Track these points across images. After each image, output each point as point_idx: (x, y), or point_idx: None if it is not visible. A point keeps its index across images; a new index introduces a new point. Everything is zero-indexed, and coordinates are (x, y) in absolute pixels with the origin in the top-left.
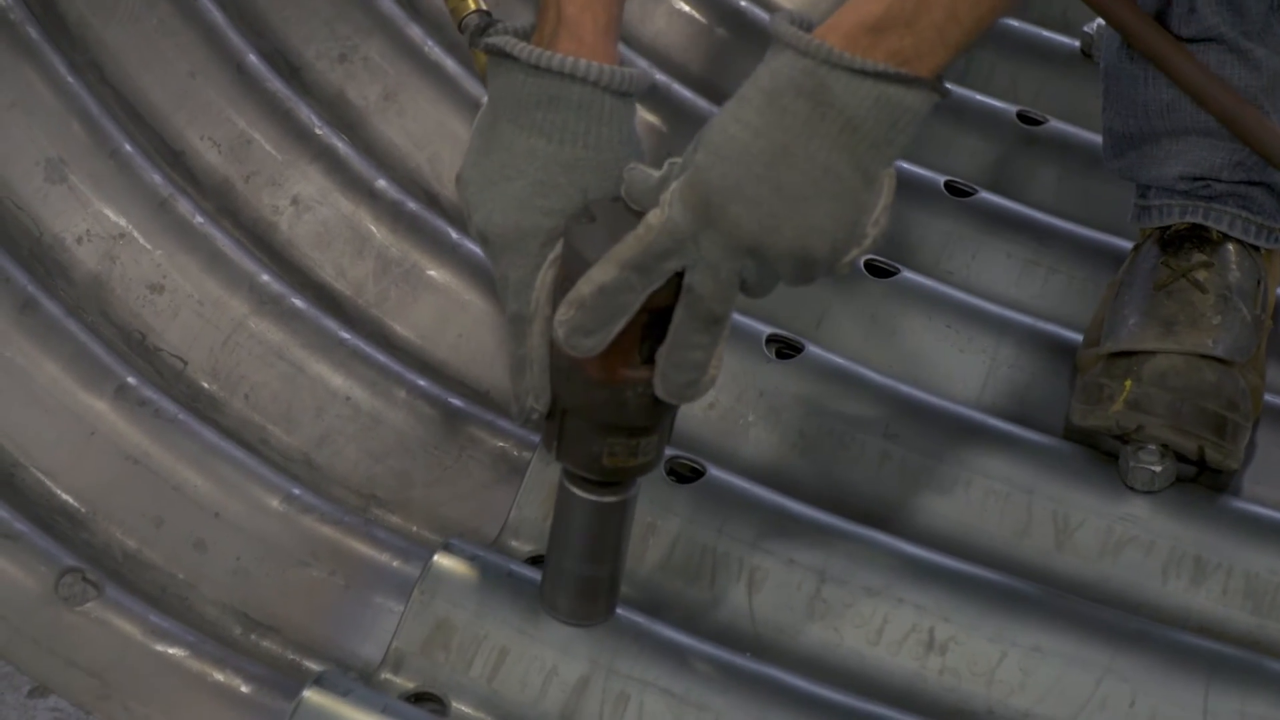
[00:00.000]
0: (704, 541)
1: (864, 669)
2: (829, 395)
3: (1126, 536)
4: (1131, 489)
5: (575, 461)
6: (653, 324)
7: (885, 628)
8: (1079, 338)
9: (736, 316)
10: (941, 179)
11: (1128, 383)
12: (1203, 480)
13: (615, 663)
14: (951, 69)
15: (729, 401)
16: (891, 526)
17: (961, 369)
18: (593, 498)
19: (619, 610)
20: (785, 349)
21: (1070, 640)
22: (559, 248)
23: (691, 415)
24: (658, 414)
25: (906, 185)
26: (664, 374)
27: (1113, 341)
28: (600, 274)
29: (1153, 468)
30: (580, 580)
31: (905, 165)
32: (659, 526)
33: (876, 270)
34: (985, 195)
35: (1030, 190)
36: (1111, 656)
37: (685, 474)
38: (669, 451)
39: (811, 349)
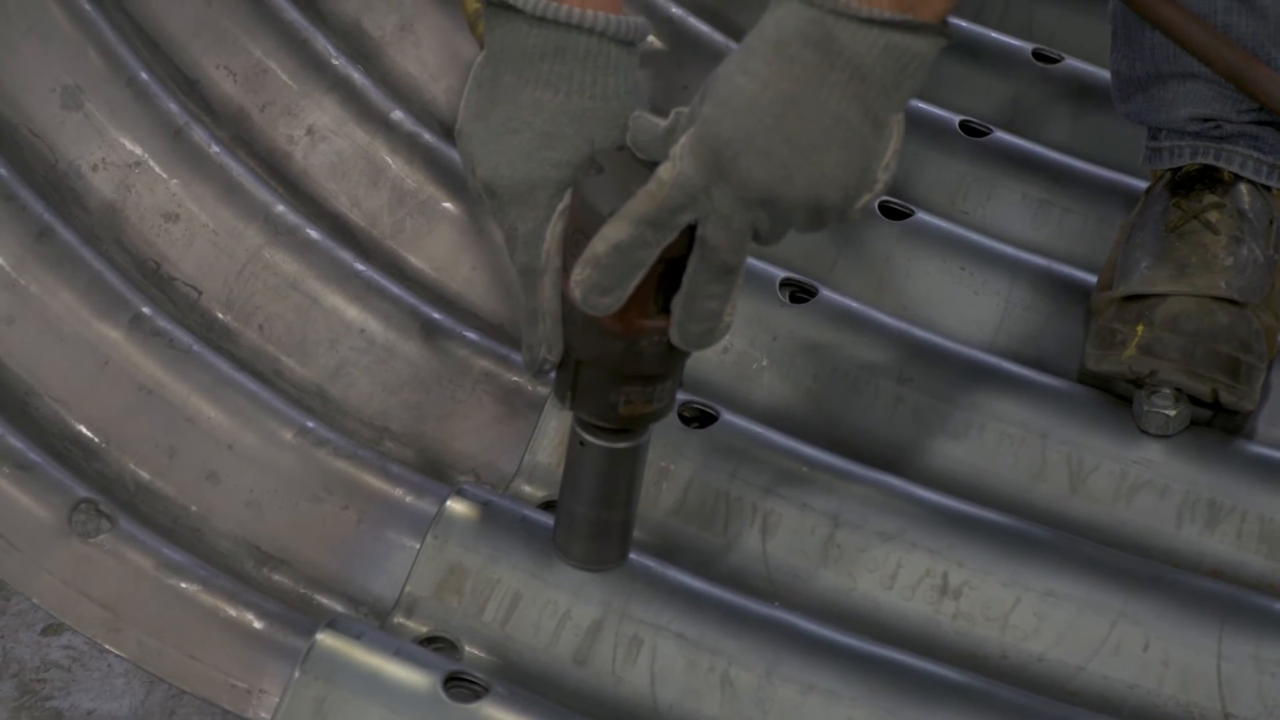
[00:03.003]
0: (717, 486)
1: (878, 614)
2: (842, 339)
3: (1141, 480)
4: (1145, 433)
5: (590, 411)
6: (667, 274)
7: (899, 573)
8: (1094, 279)
9: (750, 261)
10: (956, 119)
11: (1140, 327)
12: (1218, 423)
13: (628, 607)
14: (968, 6)
15: (742, 346)
16: (905, 471)
17: (975, 312)
18: (606, 444)
19: (632, 555)
20: (799, 293)
21: (1084, 585)
22: (567, 199)
23: (705, 360)
24: (672, 361)
25: (921, 125)
26: (680, 323)
27: (1125, 285)
28: (615, 232)
29: (1167, 412)
30: (593, 525)
31: (919, 105)
32: (672, 471)
33: (890, 212)
34: (1000, 135)
35: (1046, 129)
36: (1125, 601)
37: (698, 418)
38: (682, 396)
39: (825, 293)
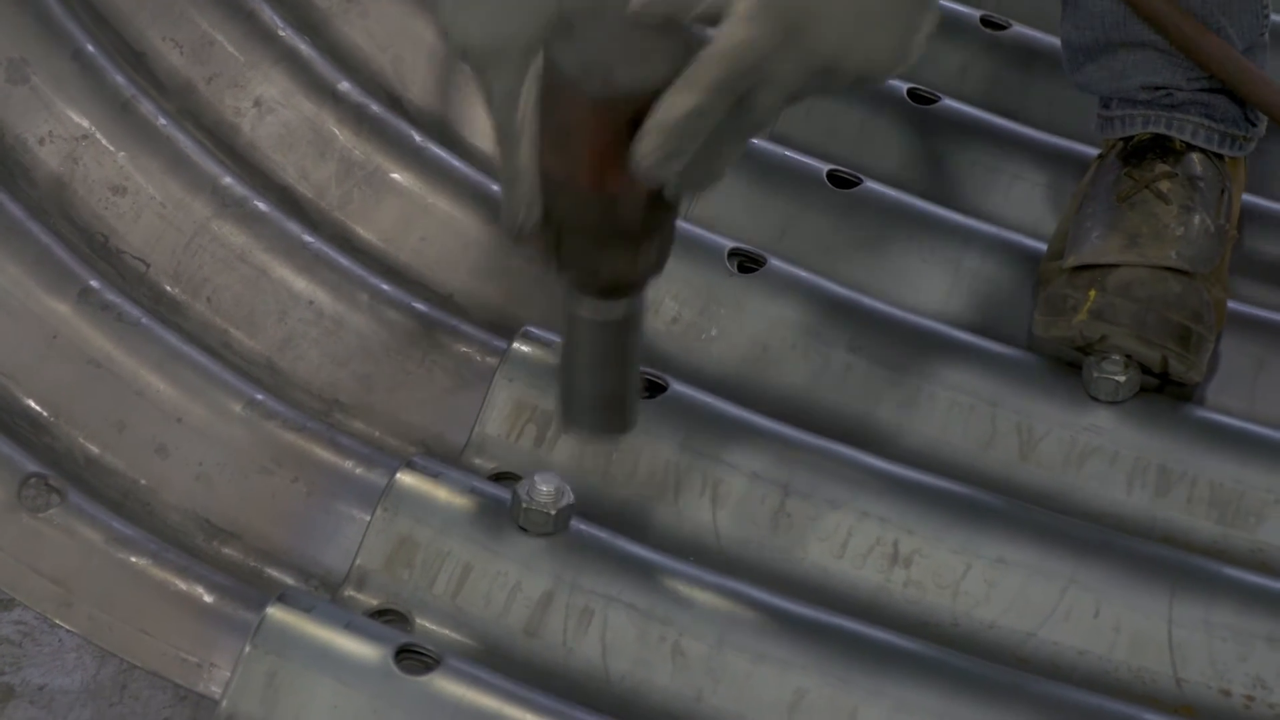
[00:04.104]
0: (667, 457)
1: (828, 582)
2: (792, 308)
3: (1091, 447)
4: (1095, 399)
5: (575, 276)
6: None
7: (849, 541)
8: (1043, 246)
9: (698, 231)
10: (904, 86)
11: (1092, 293)
12: (1167, 393)
13: (579, 578)
14: None
15: (691, 315)
16: (855, 439)
17: (925, 280)
18: (597, 317)
19: (581, 525)
20: (747, 263)
21: (1034, 551)
22: (540, 61)
23: (654, 329)
24: (653, 221)
25: (869, 94)
26: (689, 171)
27: (1076, 255)
28: (685, 99)
29: (1116, 378)
30: (594, 396)
31: None
32: (622, 442)
33: (839, 181)
34: (948, 102)
35: (994, 96)
36: (1075, 567)
37: (647, 388)
38: None
39: (774, 262)
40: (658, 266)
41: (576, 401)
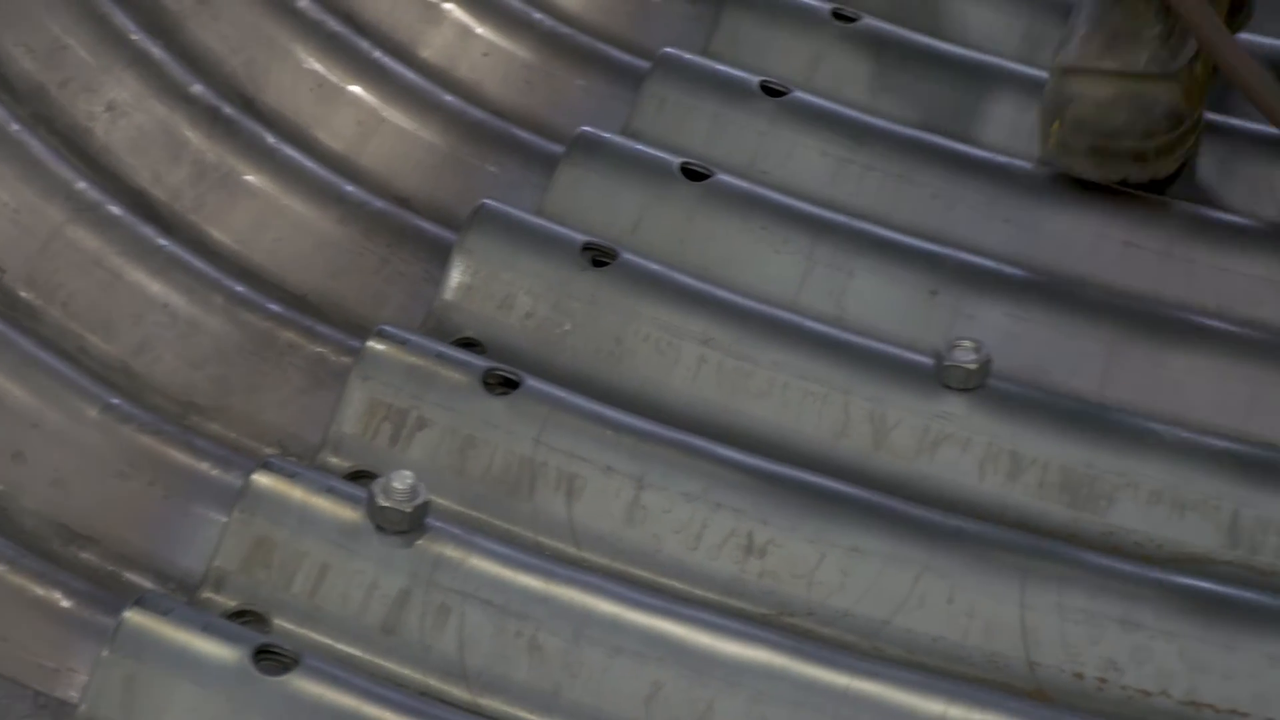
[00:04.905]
0: (522, 452)
1: (684, 574)
2: (645, 301)
3: (943, 434)
4: (947, 387)
5: None
6: None
7: (704, 532)
8: (896, 236)
9: (549, 226)
10: (756, 79)
11: (1055, 125)
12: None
13: (435, 575)
14: None
15: (545, 311)
16: (709, 431)
17: (778, 270)
18: None
19: (437, 523)
20: (600, 257)
21: (888, 539)
22: None
23: (507, 325)
24: None
25: (720, 86)
26: None
27: (1062, 54)
28: None
29: (968, 365)
30: None
31: (718, 66)
32: (477, 439)
33: (691, 174)
34: (799, 94)
35: (845, 88)
36: (929, 554)
37: (502, 385)
38: (484, 363)
39: (626, 256)
40: None
41: None
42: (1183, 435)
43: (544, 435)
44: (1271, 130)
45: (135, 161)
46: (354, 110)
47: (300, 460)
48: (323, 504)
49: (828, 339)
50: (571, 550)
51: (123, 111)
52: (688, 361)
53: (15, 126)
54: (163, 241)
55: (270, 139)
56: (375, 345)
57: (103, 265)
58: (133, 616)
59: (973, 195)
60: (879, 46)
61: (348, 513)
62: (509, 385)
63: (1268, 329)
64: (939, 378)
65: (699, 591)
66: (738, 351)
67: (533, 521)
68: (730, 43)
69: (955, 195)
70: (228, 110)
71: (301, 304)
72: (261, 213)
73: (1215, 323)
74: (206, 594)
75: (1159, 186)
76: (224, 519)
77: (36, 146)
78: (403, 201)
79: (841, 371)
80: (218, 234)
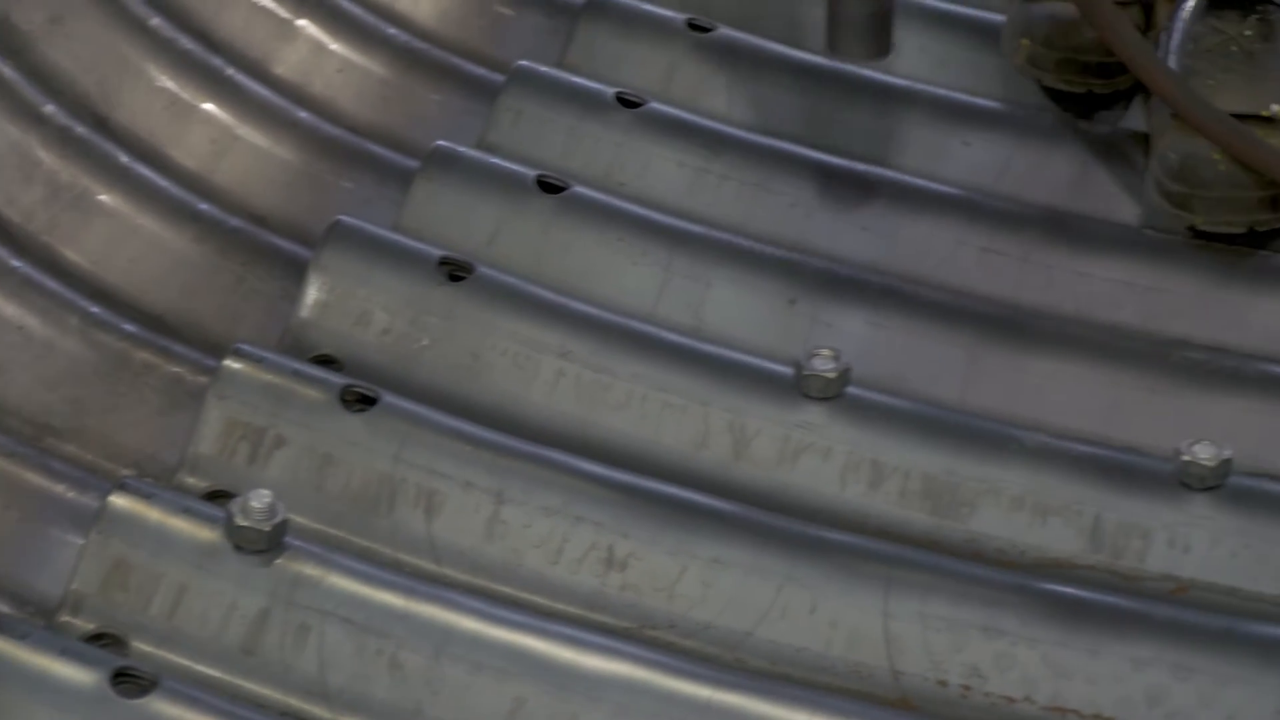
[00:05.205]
0: (380, 469)
1: (545, 589)
2: (502, 315)
3: (804, 444)
4: (807, 396)
5: None
6: None
7: (565, 547)
8: (753, 245)
9: (405, 241)
10: (611, 90)
11: (1024, 41)
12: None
13: (294, 594)
14: None
15: (402, 326)
16: (568, 445)
17: (636, 282)
18: None
19: (296, 541)
20: (456, 271)
21: (749, 551)
22: None
23: (364, 342)
24: None
25: (576, 98)
26: None
27: None
28: None
29: (827, 374)
30: (869, 15)
31: (573, 78)
32: (335, 457)
33: (547, 186)
34: (655, 105)
35: (701, 98)
36: (791, 564)
37: (359, 401)
38: (341, 380)
39: (483, 270)
40: None
41: (849, 26)
42: (1044, 440)
43: (402, 451)
44: (1130, 131)
45: None
46: (208, 128)
47: (158, 481)
48: (180, 524)
49: (686, 350)
50: (431, 566)
51: None
52: (546, 375)
53: None
54: (16, 263)
55: (124, 158)
56: (231, 364)
57: None
58: None
59: (830, 203)
60: (734, 56)
61: (205, 533)
62: (366, 402)
63: (1127, 333)
64: (798, 387)
65: (560, 606)
66: (596, 364)
67: (392, 538)
68: (585, 55)
69: (813, 204)
70: (80, 130)
71: (157, 324)
72: (116, 232)
73: (1075, 327)
74: (64, 617)
75: (1121, 98)
76: (81, 541)
77: None
78: (258, 219)
79: (701, 382)
80: (72, 254)
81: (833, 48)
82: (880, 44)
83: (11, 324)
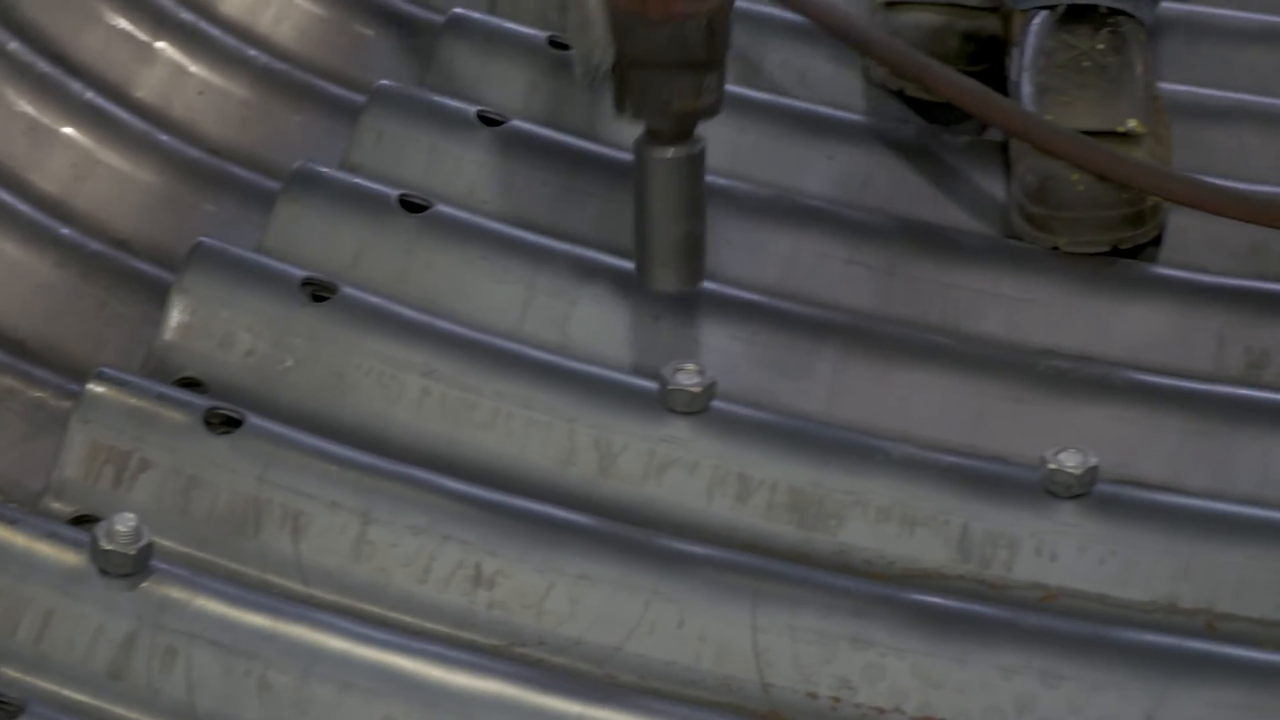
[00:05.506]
0: (246, 490)
1: (413, 608)
2: (366, 335)
3: (670, 458)
4: (672, 410)
5: (648, 113)
6: None
7: (432, 565)
8: (617, 262)
9: (269, 262)
10: (473, 109)
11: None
12: None
13: (161, 617)
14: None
15: (266, 348)
16: (434, 464)
17: (500, 300)
18: (672, 154)
19: (162, 565)
20: (320, 292)
21: (616, 566)
22: None
23: (228, 363)
24: (717, 47)
25: (437, 117)
26: None
27: None
28: None
29: (691, 389)
30: (681, 239)
31: (435, 97)
32: (200, 479)
33: (410, 206)
34: (517, 123)
35: (562, 115)
36: (658, 579)
37: (224, 423)
38: (206, 402)
39: (347, 290)
40: (720, 104)
41: (659, 253)
42: (910, 451)
43: (268, 473)
44: (993, 140)
45: None
46: (68, 152)
47: (22, 507)
48: (45, 550)
49: (551, 367)
50: (299, 587)
51: None
52: (411, 394)
53: None
54: None
55: None
56: (95, 388)
57: None
58: None
59: None
60: None
61: (71, 557)
62: (231, 424)
63: (993, 343)
64: (663, 402)
65: (429, 624)
66: (461, 383)
67: (259, 560)
68: (446, 74)
69: None
70: None
71: (19, 349)
72: None
73: (940, 338)
74: None
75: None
76: None
77: None
78: (120, 243)
79: (566, 399)
80: None
81: (642, 275)
82: (691, 272)
83: None
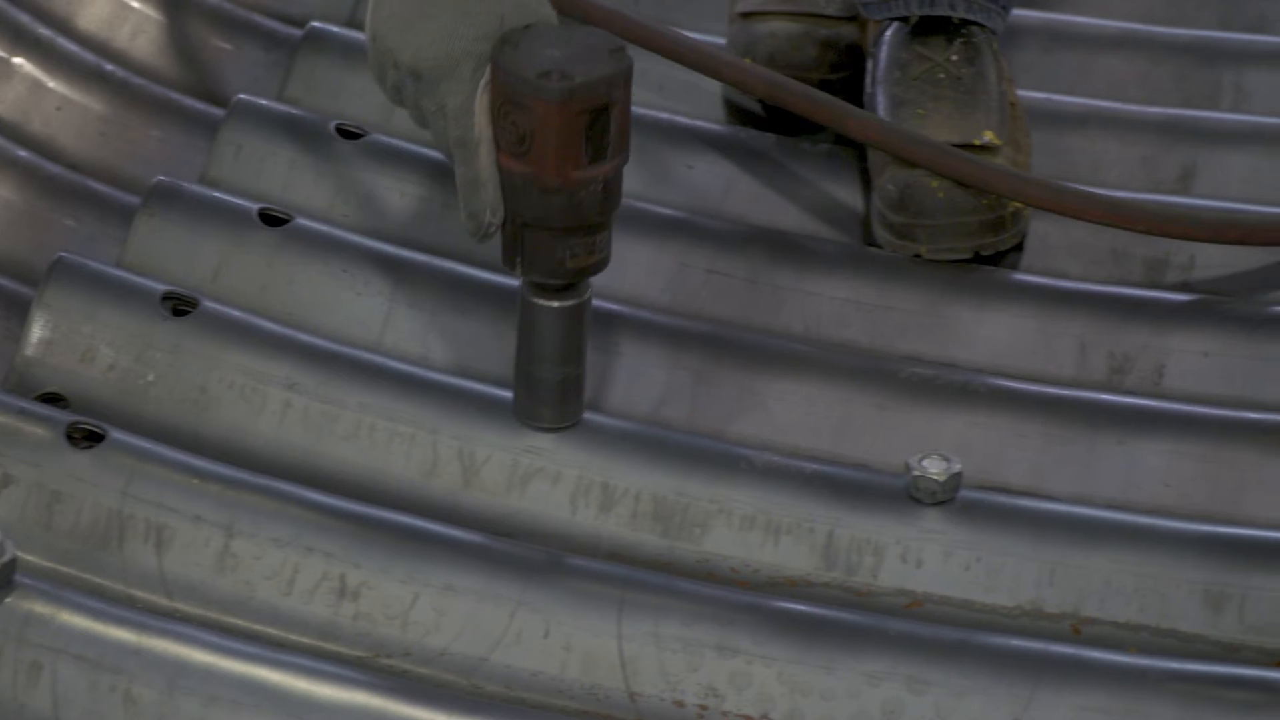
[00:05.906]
0: (109, 505)
1: (278, 620)
2: (228, 349)
3: (533, 469)
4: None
5: (541, 270)
6: (594, 124)
7: (296, 578)
8: (478, 273)
9: (129, 277)
10: (332, 122)
11: (747, 60)
12: None
13: (25, 632)
14: (341, 9)
15: (128, 362)
16: (298, 476)
17: (360, 312)
18: (559, 304)
19: (25, 579)
20: (181, 306)
21: (481, 577)
22: (488, 74)
23: (90, 378)
24: (610, 206)
25: (295, 131)
26: None
27: (741, 4)
28: None
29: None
30: (559, 385)
31: (294, 111)
32: (63, 494)
33: (270, 219)
34: (376, 136)
35: (421, 129)
36: (523, 590)
37: (86, 438)
38: (68, 416)
39: (207, 304)
40: (609, 257)
41: (541, 396)
42: (774, 459)
43: (130, 487)
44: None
45: None
46: None
47: None
48: None
49: (413, 379)
50: (164, 601)
51: None
52: (273, 407)
53: None
54: None
55: None
56: None
57: None
58: None
59: None
60: None
61: None
62: (93, 438)
63: (856, 350)
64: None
65: (294, 636)
66: (323, 395)
67: (123, 574)
68: (305, 87)
69: None
70: None
71: None
72: None
73: (803, 346)
74: None
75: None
76: None
77: None
78: None
79: (428, 411)
80: None
81: (519, 413)
82: (569, 411)
83: None
